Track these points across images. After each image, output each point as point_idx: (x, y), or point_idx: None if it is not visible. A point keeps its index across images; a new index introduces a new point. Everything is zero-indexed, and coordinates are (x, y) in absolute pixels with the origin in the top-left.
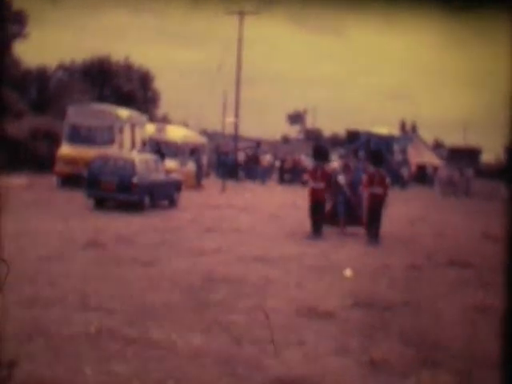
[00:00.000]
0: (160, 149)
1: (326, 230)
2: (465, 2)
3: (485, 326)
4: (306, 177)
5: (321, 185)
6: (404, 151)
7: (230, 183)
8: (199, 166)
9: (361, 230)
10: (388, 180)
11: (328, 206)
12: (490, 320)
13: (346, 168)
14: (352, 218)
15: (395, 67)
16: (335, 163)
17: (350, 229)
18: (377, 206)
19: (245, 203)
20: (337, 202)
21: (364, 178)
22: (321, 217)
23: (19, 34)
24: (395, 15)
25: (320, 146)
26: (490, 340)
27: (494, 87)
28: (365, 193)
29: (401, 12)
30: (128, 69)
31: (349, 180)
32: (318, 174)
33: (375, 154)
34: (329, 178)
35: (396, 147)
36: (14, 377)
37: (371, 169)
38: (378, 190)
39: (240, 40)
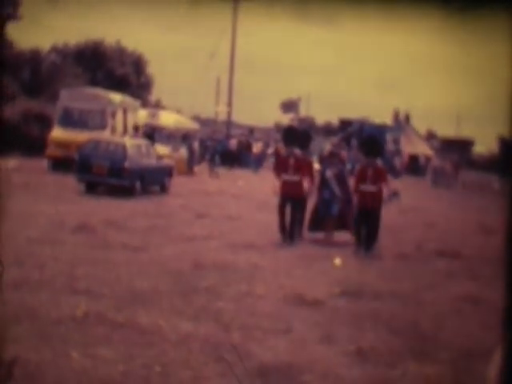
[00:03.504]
0: (152, 134)
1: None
2: None
3: (472, 317)
4: (274, 169)
5: (295, 177)
6: (397, 141)
7: (222, 170)
8: (191, 152)
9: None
10: (386, 175)
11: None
12: (478, 311)
13: (332, 157)
14: (341, 221)
15: (390, 58)
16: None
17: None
18: (369, 208)
19: (236, 190)
20: (320, 200)
21: (355, 172)
22: (295, 218)
23: (12, 16)
24: (390, 6)
25: (292, 129)
26: (477, 330)
27: (487, 79)
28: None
29: (396, 3)
30: (121, 53)
31: (336, 172)
32: (291, 164)
33: (368, 141)
34: (306, 169)
35: (389, 137)
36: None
37: (363, 160)
38: (372, 188)
39: (234, 27)
